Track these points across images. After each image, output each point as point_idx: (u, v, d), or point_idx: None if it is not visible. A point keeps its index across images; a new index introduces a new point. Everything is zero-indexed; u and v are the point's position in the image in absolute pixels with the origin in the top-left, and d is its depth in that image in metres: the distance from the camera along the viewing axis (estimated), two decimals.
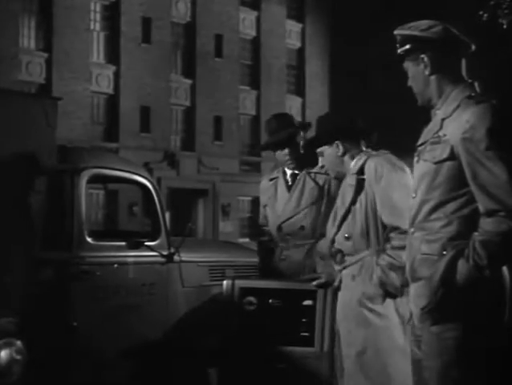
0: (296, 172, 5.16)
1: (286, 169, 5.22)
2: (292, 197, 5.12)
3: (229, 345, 4.88)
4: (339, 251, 4.02)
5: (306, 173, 5.12)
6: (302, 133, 5.28)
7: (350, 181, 4.03)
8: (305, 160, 5.16)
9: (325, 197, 5.04)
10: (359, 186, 3.96)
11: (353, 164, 4.06)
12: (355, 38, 40.04)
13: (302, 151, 5.18)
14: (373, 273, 3.86)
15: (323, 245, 4.94)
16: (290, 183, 5.17)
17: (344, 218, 4.00)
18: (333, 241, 4.05)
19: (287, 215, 5.10)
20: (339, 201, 4.10)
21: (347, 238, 3.96)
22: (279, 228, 5.11)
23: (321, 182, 5.06)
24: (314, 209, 5.04)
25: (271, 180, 5.32)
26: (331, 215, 4.14)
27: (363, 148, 4.13)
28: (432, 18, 3.18)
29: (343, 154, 4.12)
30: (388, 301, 3.83)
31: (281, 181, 5.22)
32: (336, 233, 4.03)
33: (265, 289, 4.81)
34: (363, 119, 4.20)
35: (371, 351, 3.84)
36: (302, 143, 5.22)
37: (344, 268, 4.01)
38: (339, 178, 4.24)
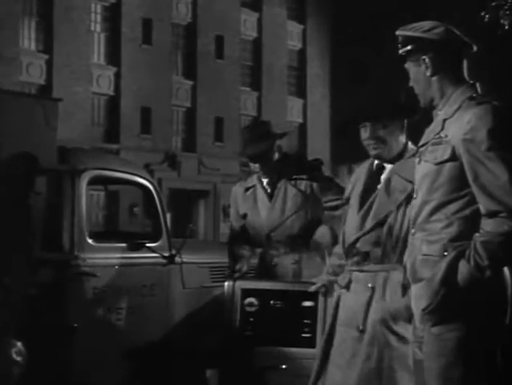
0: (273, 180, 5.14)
1: (261, 178, 5.21)
2: (275, 206, 5.09)
3: (230, 346, 4.87)
4: (360, 252, 3.72)
5: (286, 181, 5.09)
6: (277, 142, 5.16)
7: (400, 187, 3.68)
8: (281, 169, 5.10)
9: (309, 202, 5.03)
10: (410, 196, 3.51)
11: (403, 166, 3.73)
12: (356, 39, 40.04)
13: (278, 157, 5.11)
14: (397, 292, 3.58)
15: (317, 245, 4.90)
16: (269, 190, 5.15)
17: (382, 223, 3.68)
18: (356, 240, 3.73)
19: (273, 224, 5.08)
20: (381, 201, 3.71)
21: (377, 244, 3.66)
22: (268, 236, 5.11)
23: (303, 188, 5.03)
24: (300, 216, 5.03)
25: (247, 189, 5.30)
26: (363, 210, 3.75)
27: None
28: (434, 19, 3.17)
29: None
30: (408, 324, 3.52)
31: (259, 190, 5.20)
32: (365, 234, 3.70)
33: (266, 290, 4.80)
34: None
35: (375, 372, 3.61)
36: (277, 154, 5.12)
37: (360, 271, 3.72)
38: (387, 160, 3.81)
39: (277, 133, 5.19)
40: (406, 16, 6.76)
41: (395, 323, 3.59)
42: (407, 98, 3.77)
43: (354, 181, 3.96)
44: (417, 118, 3.82)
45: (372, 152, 3.81)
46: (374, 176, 3.85)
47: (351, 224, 3.81)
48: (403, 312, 3.52)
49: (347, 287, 3.79)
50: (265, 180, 5.18)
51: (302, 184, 5.04)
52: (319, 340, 4.35)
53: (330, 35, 42.86)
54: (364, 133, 3.80)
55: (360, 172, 3.97)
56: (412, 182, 3.53)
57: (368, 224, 3.71)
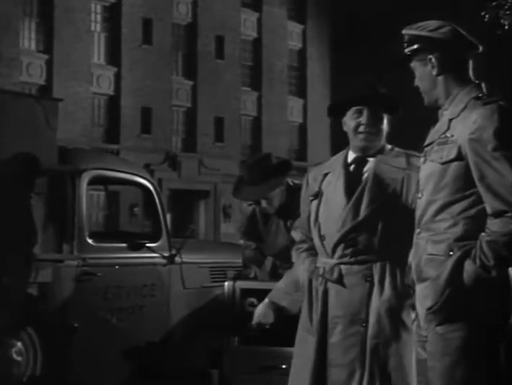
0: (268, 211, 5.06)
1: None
2: (268, 240, 5.14)
3: (230, 346, 4.87)
4: (353, 244, 3.56)
5: (278, 219, 5.03)
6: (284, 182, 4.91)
7: (391, 175, 3.58)
8: (283, 209, 4.94)
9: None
10: (402, 184, 3.57)
11: (388, 156, 3.67)
12: (357, 39, 40.04)
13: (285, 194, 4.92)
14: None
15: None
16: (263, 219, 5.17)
17: (375, 213, 3.56)
18: (347, 232, 3.56)
19: (274, 251, 5.15)
20: (373, 191, 3.57)
21: (372, 234, 3.53)
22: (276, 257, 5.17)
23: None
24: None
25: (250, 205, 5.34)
26: (352, 202, 3.58)
27: None
28: (435, 19, 3.17)
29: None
30: (411, 313, 3.47)
31: (258, 215, 5.25)
32: (359, 225, 3.55)
33: (266, 290, 4.79)
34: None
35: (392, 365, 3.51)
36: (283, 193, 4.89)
37: (354, 263, 3.57)
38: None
39: (278, 169, 4.89)
40: (406, 16, 6.76)
41: (399, 312, 3.49)
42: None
43: (320, 177, 3.77)
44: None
45: (363, 143, 3.63)
46: (355, 169, 3.68)
47: (333, 219, 3.62)
48: (404, 301, 3.46)
49: (339, 282, 3.58)
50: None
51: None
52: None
53: (330, 35, 42.85)
54: (355, 119, 3.64)
55: (327, 167, 3.79)
56: (402, 169, 3.55)
57: (362, 214, 3.56)
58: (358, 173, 3.66)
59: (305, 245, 3.85)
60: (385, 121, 3.68)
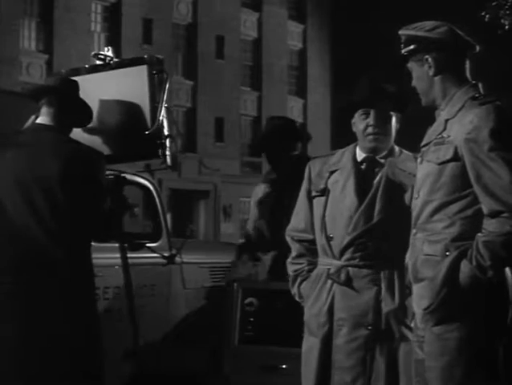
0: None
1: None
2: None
3: (230, 346, 4.88)
4: (364, 248, 3.54)
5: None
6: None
7: (405, 180, 3.57)
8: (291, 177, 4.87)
9: None
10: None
11: (400, 159, 3.67)
12: (357, 39, 40.05)
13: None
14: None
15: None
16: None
17: (387, 218, 3.55)
18: (358, 236, 3.54)
19: None
20: (387, 195, 3.57)
21: (384, 239, 3.52)
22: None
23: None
24: None
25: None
26: (364, 206, 3.56)
27: None
28: (435, 19, 3.17)
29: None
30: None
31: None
32: (370, 229, 3.53)
33: (266, 290, 4.80)
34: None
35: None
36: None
37: (363, 267, 3.55)
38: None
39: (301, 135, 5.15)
40: (406, 16, 6.76)
41: (406, 317, 3.45)
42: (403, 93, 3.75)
43: (327, 174, 3.73)
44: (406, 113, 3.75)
45: (371, 144, 3.62)
46: (366, 169, 3.67)
47: (342, 220, 3.60)
48: (411, 307, 3.38)
49: (347, 284, 3.57)
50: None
51: None
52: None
53: (330, 35, 42.86)
54: (363, 120, 3.62)
55: (333, 164, 3.74)
56: (413, 174, 3.47)
57: (375, 219, 3.54)
58: (369, 174, 3.65)
59: (304, 262, 3.81)
60: (394, 120, 3.68)
